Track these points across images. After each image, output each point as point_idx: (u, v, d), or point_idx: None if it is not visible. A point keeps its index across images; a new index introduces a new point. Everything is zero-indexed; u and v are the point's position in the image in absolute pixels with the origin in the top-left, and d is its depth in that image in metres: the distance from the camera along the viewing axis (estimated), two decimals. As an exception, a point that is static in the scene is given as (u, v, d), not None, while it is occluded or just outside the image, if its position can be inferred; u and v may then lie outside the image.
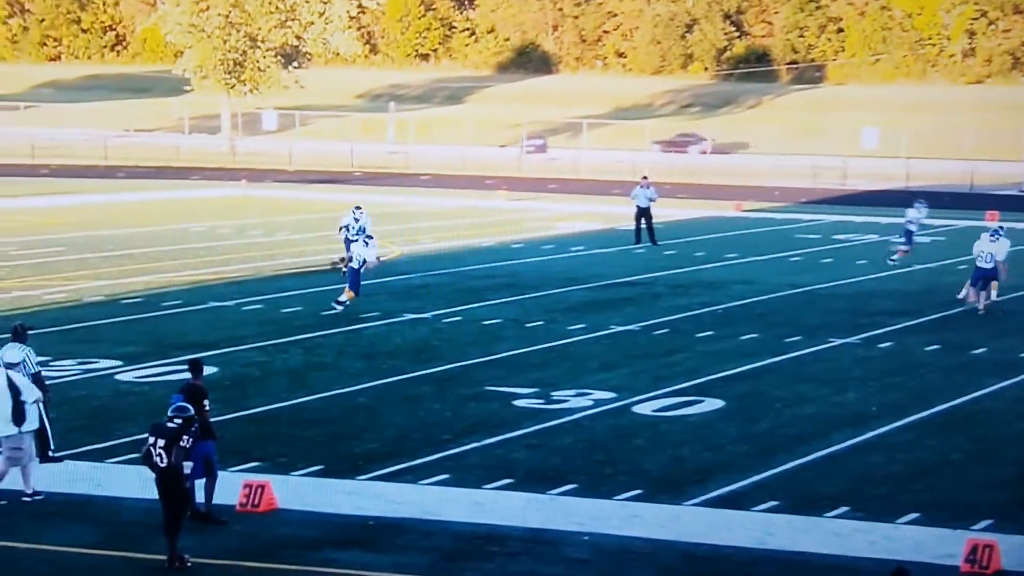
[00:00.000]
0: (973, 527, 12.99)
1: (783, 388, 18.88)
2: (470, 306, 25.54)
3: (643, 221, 35.90)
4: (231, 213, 42.68)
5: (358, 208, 28.40)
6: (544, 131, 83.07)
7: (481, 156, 70.65)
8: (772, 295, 27.12)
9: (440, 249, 34.99)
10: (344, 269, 25.45)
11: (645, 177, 37.80)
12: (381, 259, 26.22)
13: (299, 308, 24.59)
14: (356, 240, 24.96)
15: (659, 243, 35.50)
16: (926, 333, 23.33)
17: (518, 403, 17.75)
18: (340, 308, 23.91)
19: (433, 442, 15.77)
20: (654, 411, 17.48)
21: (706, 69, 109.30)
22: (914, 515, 13.37)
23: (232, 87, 79.65)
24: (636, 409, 17.58)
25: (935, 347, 22.09)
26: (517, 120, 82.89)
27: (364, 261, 24.10)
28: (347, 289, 24.16)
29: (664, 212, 44.80)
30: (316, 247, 33.25)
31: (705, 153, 75.20)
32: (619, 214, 45.85)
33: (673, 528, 12.91)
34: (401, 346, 21.58)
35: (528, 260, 32.59)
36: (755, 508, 13.58)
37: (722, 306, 25.49)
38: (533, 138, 76.84)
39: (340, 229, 28.09)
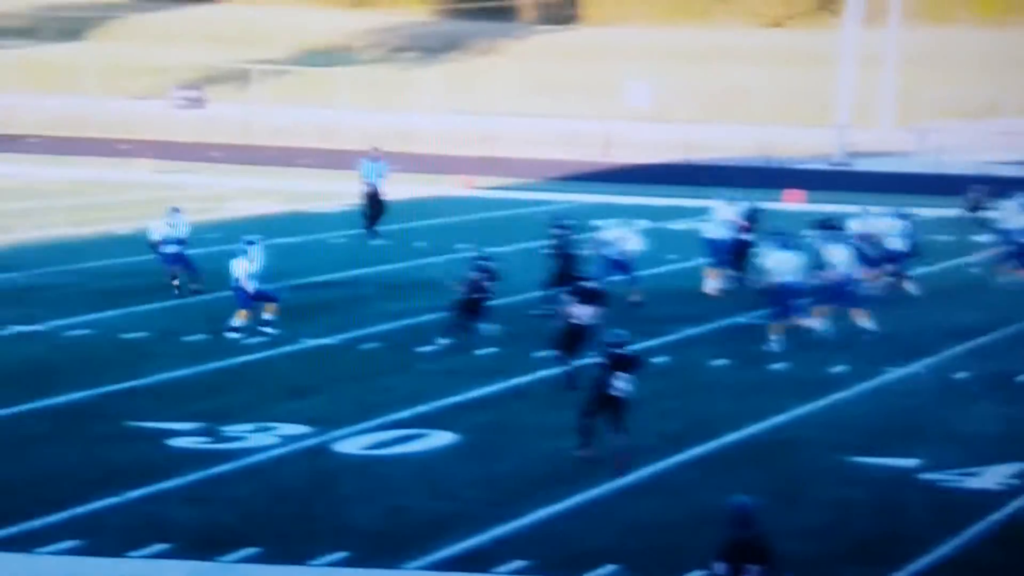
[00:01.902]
0: (775, 585, 13.93)
1: (533, 416, 19.50)
2: (104, 314, 25.44)
3: (370, 205, 36.84)
4: None
5: (176, 211, 28.26)
6: (200, 79, 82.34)
7: (113, 111, 69.72)
8: (518, 296, 27.49)
9: (57, 238, 34.61)
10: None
11: (376, 148, 38.72)
12: None
13: None
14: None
15: (373, 230, 36.55)
16: (713, 344, 24.50)
17: (175, 443, 17.79)
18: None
19: (56, 499, 15.70)
20: (363, 449, 17.81)
21: (425, 2, 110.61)
22: (699, 573, 14.00)
23: None
24: (339, 447, 17.85)
25: (723, 362, 23.28)
26: (162, 63, 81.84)
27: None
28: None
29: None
30: None
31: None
32: (306, 192, 46.37)
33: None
34: (4, 370, 21.29)
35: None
36: (499, 569, 14.00)
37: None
38: (185, 88, 76.15)
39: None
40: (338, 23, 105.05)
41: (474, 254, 24.85)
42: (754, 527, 10.97)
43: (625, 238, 28.29)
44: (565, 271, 25.99)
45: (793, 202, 46.26)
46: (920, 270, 32.29)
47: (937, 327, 26.67)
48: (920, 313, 28.08)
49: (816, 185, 49.43)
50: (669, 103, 70.83)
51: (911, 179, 54.09)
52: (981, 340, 25.49)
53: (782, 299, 24.32)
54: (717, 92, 77.71)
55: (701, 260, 31.65)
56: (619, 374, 17.13)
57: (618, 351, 17.23)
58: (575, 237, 27.99)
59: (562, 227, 27.75)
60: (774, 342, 23.97)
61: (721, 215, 30.29)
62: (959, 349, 24.70)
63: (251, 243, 24.61)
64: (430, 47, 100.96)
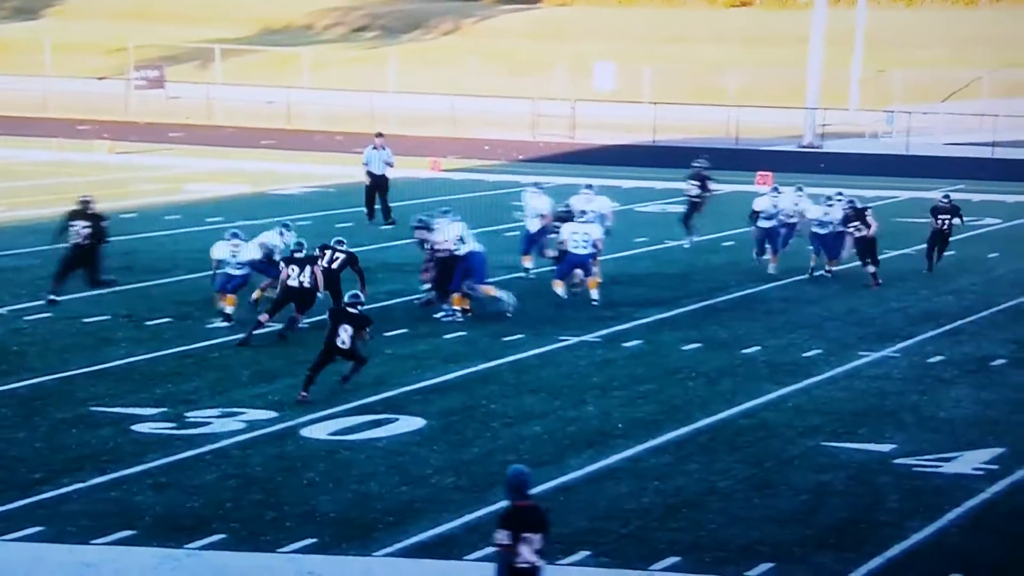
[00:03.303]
0: (748, 573, 13.92)
1: (502, 401, 19.59)
2: (65, 297, 25.41)
3: (377, 193, 36.83)
4: None
5: (236, 235, 24.50)
6: (160, 59, 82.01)
7: (70, 91, 69.65)
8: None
9: (16, 220, 34.64)
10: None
11: (380, 134, 38.69)
12: None
13: None
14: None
15: (384, 217, 36.59)
16: (684, 328, 24.67)
17: (139, 428, 17.92)
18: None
19: (19, 484, 15.81)
20: (331, 434, 17.91)
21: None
22: (673, 559, 14.22)
23: None
24: (306, 432, 17.98)
25: (695, 346, 23.42)
26: (120, 42, 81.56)
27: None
28: None
29: (326, 171, 45.43)
30: None
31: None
32: (269, 173, 46.37)
33: (361, 586, 13.26)
34: (-34, 354, 21.51)
35: (147, 235, 32.89)
36: (468, 556, 14.08)
37: (418, 296, 25.97)
38: (145, 68, 75.90)
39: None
40: (299, 1, 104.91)
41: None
42: (529, 495, 11.23)
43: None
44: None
45: (764, 184, 46.47)
46: (891, 253, 32.53)
47: (910, 311, 26.90)
48: (893, 296, 28.23)
49: (785, 167, 49.62)
50: (636, 85, 70.96)
51: (881, 160, 54.46)
52: (957, 324, 25.60)
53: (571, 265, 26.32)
54: (684, 73, 77.94)
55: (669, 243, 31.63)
56: (345, 327, 19.37)
57: (349, 310, 19.58)
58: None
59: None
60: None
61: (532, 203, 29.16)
62: (934, 333, 24.89)
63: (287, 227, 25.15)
64: (392, 27, 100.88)
